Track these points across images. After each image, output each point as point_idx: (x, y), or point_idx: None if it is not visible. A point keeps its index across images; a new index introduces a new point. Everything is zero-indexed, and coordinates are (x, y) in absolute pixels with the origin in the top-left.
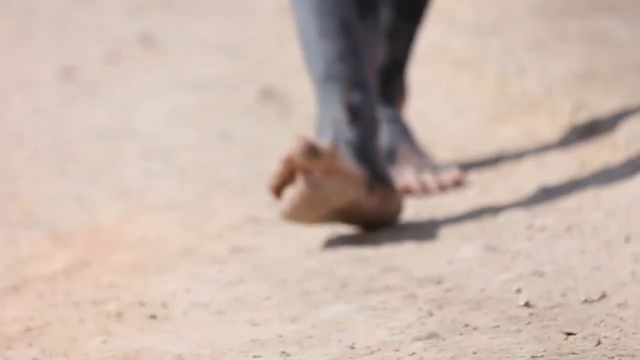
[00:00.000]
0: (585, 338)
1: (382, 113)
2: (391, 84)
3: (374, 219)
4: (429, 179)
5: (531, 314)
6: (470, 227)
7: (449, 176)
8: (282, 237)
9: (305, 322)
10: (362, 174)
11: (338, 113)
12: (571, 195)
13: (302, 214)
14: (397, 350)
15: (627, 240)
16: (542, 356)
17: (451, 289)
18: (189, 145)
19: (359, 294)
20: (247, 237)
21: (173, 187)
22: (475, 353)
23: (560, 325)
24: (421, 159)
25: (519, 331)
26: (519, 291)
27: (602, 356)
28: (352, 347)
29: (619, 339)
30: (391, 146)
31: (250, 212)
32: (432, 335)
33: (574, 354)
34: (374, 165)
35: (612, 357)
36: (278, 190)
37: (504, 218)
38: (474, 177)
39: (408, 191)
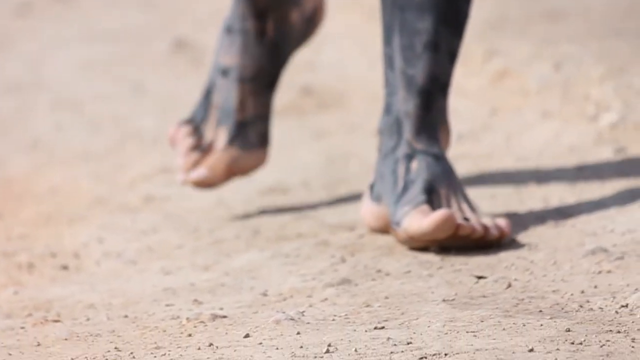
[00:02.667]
0: (495, 281)
1: (423, 145)
2: (434, 109)
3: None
4: (472, 216)
5: (442, 259)
6: None
7: (493, 223)
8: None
9: (217, 270)
10: (256, 162)
11: (244, 14)
12: (482, 141)
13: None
14: (309, 297)
15: (538, 185)
16: (453, 299)
17: (363, 235)
18: (100, 96)
19: (270, 242)
20: (159, 187)
21: (84, 139)
22: (387, 298)
23: (471, 268)
24: (461, 206)
25: (431, 275)
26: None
27: (512, 298)
28: (264, 294)
29: (528, 281)
30: (430, 187)
31: (162, 162)
32: (344, 281)
33: (484, 296)
34: (284, 65)
35: (522, 299)
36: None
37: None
38: None
39: (450, 220)
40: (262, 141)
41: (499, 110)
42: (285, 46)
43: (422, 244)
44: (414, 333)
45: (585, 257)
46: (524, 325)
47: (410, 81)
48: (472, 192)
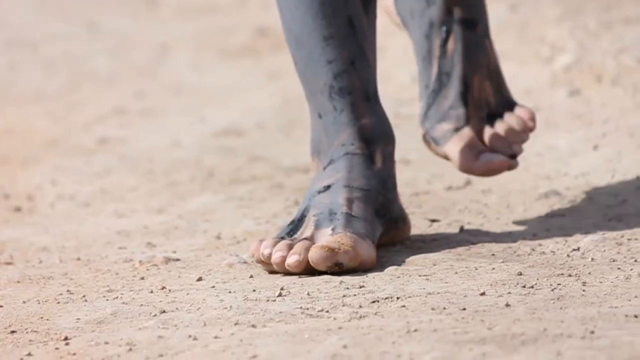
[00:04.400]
0: (449, 224)
1: (458, 9)
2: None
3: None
4: (505, 131)
5: None
6: None
7: (518, 120)
8: (148, 129)
9: (171, 213)
10: (374, 258)
11: (350, 139)
12: None
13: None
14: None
15: None
16: (406, 243)
17: None
18: (55, 36)
19: (225, 184)
20: (114, 129)
21: (38, 79)
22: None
23: (425, 212)
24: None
25: None
26: None
27: (466, 241)
28: (218, 237)
29: (482, 224)
30: (466, 89)
31: (117, 103)
32: None
33: (437, 239)
34: (391, 209)
35: (475, 243)
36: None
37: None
38: None
39: (502, 166)
40: (372, 238)
41: None
42: (390, 192)
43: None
44: (367, 277)
45: (538, 201)
46: (476, 269)
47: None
48: None
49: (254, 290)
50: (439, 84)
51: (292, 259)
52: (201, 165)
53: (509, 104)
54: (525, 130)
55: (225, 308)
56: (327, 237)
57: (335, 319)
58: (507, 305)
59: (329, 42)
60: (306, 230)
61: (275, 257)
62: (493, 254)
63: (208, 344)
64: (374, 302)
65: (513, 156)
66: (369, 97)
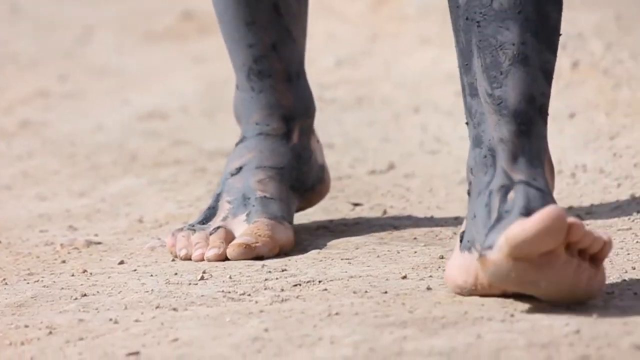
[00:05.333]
0: (371, 208)
1: (523, 176)
2: (533, 134)
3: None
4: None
5: None
6: None
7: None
8: (71, 111)
9: (93, 196)
10: (292, 240)
11: (265, 119)
12: (361, 67)
13: None
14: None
15: (416, 111)
16: (328, 227)
17: None
18: None
19: (148, 168)
20: (36, 111)
21: None
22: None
23: (348, 195)
24: None
25: None
26: None
27: (388, 225)
28: (140, 221)
29: (404, 208)
30: (529, 211)
31: (40, 86)
32: None
33: (360, 223)
34: (305, 182)
35: (397, 227)
36: None
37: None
38: None
39: (562, 218)
40: (289, 218)
41: (378, 36)
42: (305, 165)
43: (522, 267)
44: (289, 260)
45: (460, 185)
46: (398, 253)
47: (500, 103)
48: (351, 119)
49: (176, 274)
50: (498, 219)
51: (211, 253)
52: (124, 149)
53: None
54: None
55: (147, 291)
56: (243, 225)
57: (257, 302)
58: (429, 288)
59: (250, 28)
60: (221, 218)
61: (196, 255)
62: (415, 238)
63: (129, 327)
64: (295, 285)
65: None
66: (291, 77)
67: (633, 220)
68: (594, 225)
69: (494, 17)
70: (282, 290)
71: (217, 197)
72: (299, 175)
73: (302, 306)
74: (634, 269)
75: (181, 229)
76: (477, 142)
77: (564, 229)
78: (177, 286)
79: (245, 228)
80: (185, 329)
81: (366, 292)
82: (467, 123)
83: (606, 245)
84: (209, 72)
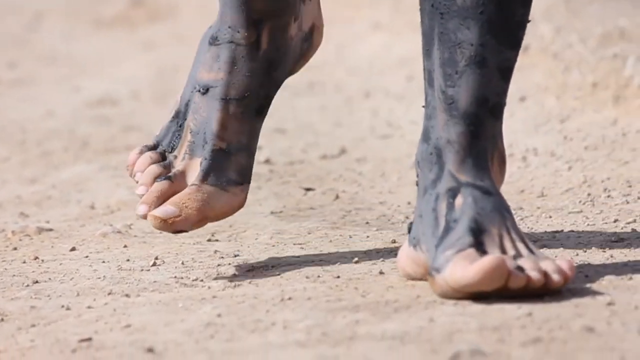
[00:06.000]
0: (323, 193)
1: (469, 177)
2: (482, 135)
3: None
4: (528, 263)
5: (271, 171)
6: None
7: (554, 266)
8: (21, 99)
9: (44, 183)
10: (235, 207)
11: (236, 25)
12: None
13: None
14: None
15: (367, 96)
16: (281, 212)
17: None
18: None
19: (99, 154)
20: None
21: None
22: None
23: (300, 180)
24: (517, 246)
25: (259, 188)
26: (259, 148)
27: (340, 210)
28: (92, 207)
29: (356, 192)
30: (477, 226)
31: None
32: None
33: (312, 208)
34: (277, 84)
35: (349, 211)
36: None
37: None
38: None
39: (501, 268)
40: (242, 179)
41: (330, 21)
42: (280, 65)
43: (466, 296)
44: (242, 245)
45: (412, 169)
46: (351, 237)
47: (452, 103)
48: (303, 104)
49: (128, 260)
50: (446, 231)
51: (139, 209)
52: (75, 135)
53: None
54: (559, 273)
55: (99, 278)
56: (194, 173)
57: (209, 288)
58: (381, 272)
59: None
60: (182, 154)
61: (137, 192)
62: (367, 222)
63: (81, 313)
64: (248, 271)
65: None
66: None
67: (584, 203)
68: (544, 209)
69: (456, 14)
70: (235, 275)
71: (184, 113)
72: (268, 91)
73: (255, 291)
74: (585, 251)
75: (148, 148)
76: (425, 136)
77: (503, 277)
78: (130, 272)
79: (180, 193)
80: (138, 315)
81: (319, 276)
82: (424, 106)
83: (562, 279)
84: (159, 58)
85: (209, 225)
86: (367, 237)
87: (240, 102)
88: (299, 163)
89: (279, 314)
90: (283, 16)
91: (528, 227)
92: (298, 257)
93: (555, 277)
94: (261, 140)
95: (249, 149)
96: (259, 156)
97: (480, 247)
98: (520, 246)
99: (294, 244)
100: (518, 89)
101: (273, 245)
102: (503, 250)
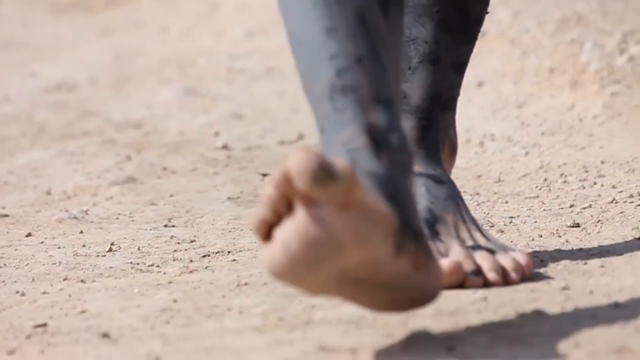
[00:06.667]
0: None
1: (421, 167)
2: (433, 128)
3: (400, 293)
4: (485, 262)
5: (229, 156)
6: (170, 71)
7: (511, 262)
8: None
9: (0, 169)
10: (391, 216)
11: (354, 137)
12: (271, 38)
13: (300, 270)
14: (94, 195)
15: None
16: (238, 197)
17: (150, 133)
18: None
19: (56, 140)
20: None
21: None
22: (172, 196)
23: (257, 166)
24: (473, 235)
25: (216, 173)
26: (217, 134)
27: None
28: (48, 193)
29: None
30: (431, 215)
31: None
32: (130, 179)
33: None
34: (406, 213)
35: None
36: (267, 231)
37: (204, 61)
38: (174, 19)
39: (457, 272)
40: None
41: None
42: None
43: None
44: (198, 231)
45: None
46: None
47: (404, 98)
48: (260, 89)
49: (84, 246)
50: None
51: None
52: (32, 121)
53: (502, 246)
54: (516, 270)
55: (54, 264)
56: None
57: (165, 273)
58: None
59: (331, 35)
60: None
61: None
62: None
63: (36, 299)
64: (204, 256)
65: (477, 273)
66: (380, 100)
67: (540, 188)
68: (501, 194)
69: (412, 9)
70: (191, 261)
71: None
72: (398, 194)
73: (211, 277)
74: (540, 236)
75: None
76: None
77: (459, 281)
78: (85, 258)
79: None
80: (94, 301)
81: None
82: None
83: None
84: (116, 44)
85: (166, 210)
86: None
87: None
88: (256, 149)
89: (235, 299)
90: (405, 154)
91: (485, 212)
92: (255, 242)
93: (513, 275)
94: (218, 126)
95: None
96: (216, 142)
97: (436, 236)
98: (477, 235)
99: (251, 230)
100: (475, 74)
101: (230, 231)
102: (460, 240)
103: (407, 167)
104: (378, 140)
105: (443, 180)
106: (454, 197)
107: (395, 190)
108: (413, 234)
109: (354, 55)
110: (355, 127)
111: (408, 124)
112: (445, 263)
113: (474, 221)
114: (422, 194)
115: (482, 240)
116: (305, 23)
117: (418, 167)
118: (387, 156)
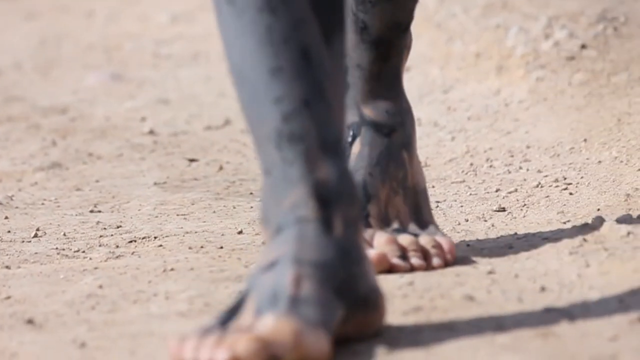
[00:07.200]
0: (207, 164)
1: (373, 111)
2: (393, 55)
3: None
4: (410, 245)
5: (155, 142)
6: (96, 56)
7: (434, 246)
8: None
9: None
10: (326, 352)
11: (303, 201)
12: (197, 23)
13: None
14: (19, 181)
15: None
16: (164, 182)
17: (75, 118)
18: None
19: None
20: None
21: None
22: (97, 181)
23: (184, 151)
24: (400, 215)
25: (143, 159)
26: (143, 119)
27: (224, 181)
28: None
29: (240, 163)
30: (365, 193)
31: None
32: (55, 165)
33: (196, 179)
34: (356, 288)
35: (234, 182)
36: None
37: (130, 46)
38: (99, 4)
39: (382, 263)
40: (325, 325)
41: None
42: (352, 266)
43: None
44: (124, 217)
45: None
46: (234, 208)
47: (364, 29)
48: (187, 74)
49: (9, 232)
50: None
51: (220, 356)
52: None
53: (428, 230)
54: (438, 256)
55: None
56: (267, 325)
57: (91, 259)
58: (264, 243)
59: (277, 76)
60: (243, 319)
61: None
62: (251, 193)
63: None
64: (131, 242)
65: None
66: (327, 147)
67: (466, 173)
68: (428, 179)
69: None
70: (117, 246)
71: (243, 296)
72: (346, 278)
73: (137, 262)
74: (467, 220)
75: (191, 334)
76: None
77: (385, 268)
78: (10, 244)
79: (267, 326)
80: (19, 287)
81: (202, 247)
82: None
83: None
84: (41, 29)
85: (92, 196)
86: (251, 207)
87: (315, 266)
88: (182, 134)
89: (161, 285)
90: (354, 205)
91: None
92: (181, 227)
93: (435, 261)
94: (144, 112)
95: (330, 310)
96: (143, 127)
97: (366, 220)
98: (404, 215)
99: (177, 215)
100: None
101: (156, 216)
102: (385, 222)
103: (357, 221)
104: (328, 199)
105: (394, 127)
106: (394, 158)
107: (344, 276)
108: (362, 304)
109: (300, 98)
110: (304, 188)
111: (367, 57)
112: (371, 254)
113: (406, 190)
114: (364, 157)
115: (407, 221)
116: (249, 61)
117: (369, 110)
118: (339, 218)
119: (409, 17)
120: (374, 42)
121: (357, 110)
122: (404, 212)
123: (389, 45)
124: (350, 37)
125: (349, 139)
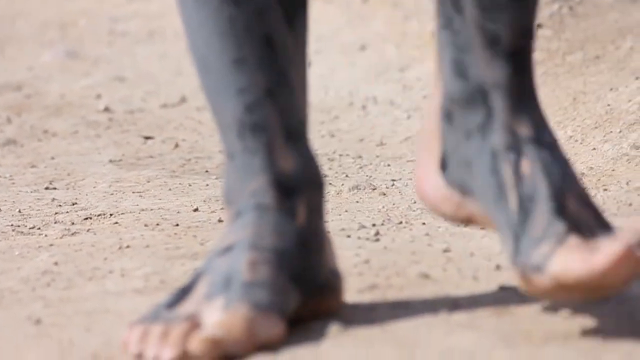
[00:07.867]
0: (163, 141)
1: (530, 130)
2: (527, 70)
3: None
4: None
5: (110, 119)
6: (51, 33)
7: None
8: None
9: None
10: (280, 335)
11: (264, 189)
12: (153, 1)
13: None
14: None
15: None
16: (120, 160)
17: (30, 95)
18: None
19: None
20: None
21: None
22: (53, 158)
23: (140, 129)
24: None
25: (98, 136)
26: (99, 96)
27: (180, 158)
28: None
29: (196, 141)
30: (559, 203)
31: None
32: (10, 142)
33: (151, 157)
34: (314, 276)
35: (189, 159)
36: None
37: (84, 22)
38: None
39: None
40: (279, 310)
41: None
42: (311, 255)
43: (583, 294)
44: (80, 194)
45: None
46: (190, 186)
47: (494, 40)
48: (142, 52)
49: None
50: (523, 213)
51: (166, 355)
52: None
53: (611, 232)
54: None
55: None
56: (217, 313)
57: (46, 236)
58: (220, 221)
59: (240, 66)
60: (192, 302)
61: (150, 357)
62: (207, 171)
63: None
64: (86, 219)
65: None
66: (291, 135)
67: None
68: (383, 157)
69: None
70: (73, 223)
71: (196, 277)
72: (304, 266)
73: (93, 239)
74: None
75: (141, 319)
76: (460, 71)
77: (632, 266)
78: None
79: (217, 318)
80: None
81: (157, 224)
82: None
83: None
84: None
85: (47, 173)
86: (207, 185)
87: (272, 252)
88: (138, 112)
89: (117, 262)
90: (318, 192)
91: (367, 175)
92: (137, 205)
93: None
94: (100, 89)
95: (284, 295)
96: (98, 105)
97: (575, 231)
98: (591, 221)
99: (133, 192)
100: (358, 37)
101: (112, 194)
102: (579, 229)
103: (321, 205)
104: (291, 187)
105: (553, 146)
106: (569, 169)
107: (302, 264)
108: (317, 293)
109: (263, 88)
110: (265, 177)
111: (502, 73)
112: (615, 247)
113: (590, 197)
114: (541, 177)
115: (599, 230)
116: (213, 52)
117: (526, 129)
118: (302, 205)
119: (535, 21)
120: (508, 56)
121: (510, 132)
122: (590, 217)
123: (526, 57)
124: (481, 55)
125: (513, 161)
